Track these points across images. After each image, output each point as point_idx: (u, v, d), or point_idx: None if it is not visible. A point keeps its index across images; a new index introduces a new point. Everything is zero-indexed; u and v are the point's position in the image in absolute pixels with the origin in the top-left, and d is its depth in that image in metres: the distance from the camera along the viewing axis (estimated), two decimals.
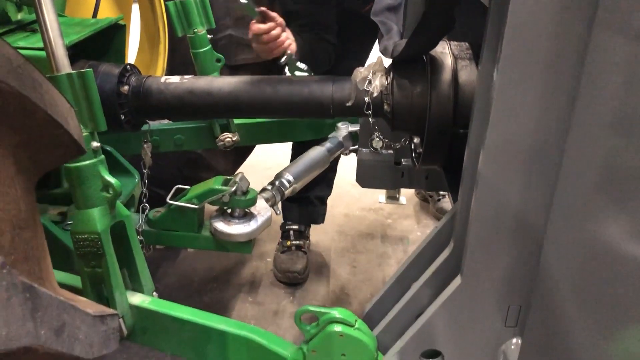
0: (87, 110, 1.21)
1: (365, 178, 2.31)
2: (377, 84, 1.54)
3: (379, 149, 2.05)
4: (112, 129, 1.69)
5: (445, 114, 1.44)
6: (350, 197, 3.32)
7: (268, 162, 3.42)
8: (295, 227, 2.76)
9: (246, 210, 1.78)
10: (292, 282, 2.62)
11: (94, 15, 2.04)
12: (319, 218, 2.80)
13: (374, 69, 1.57)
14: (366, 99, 1.54)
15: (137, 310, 1.29)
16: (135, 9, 2.71)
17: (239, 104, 1.61)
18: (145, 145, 1.79)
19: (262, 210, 1.82)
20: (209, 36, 2.04)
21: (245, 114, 1.83)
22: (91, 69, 1.20)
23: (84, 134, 1.19)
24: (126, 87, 1.61)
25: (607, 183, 0.91)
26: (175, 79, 1.64)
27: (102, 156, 1.24)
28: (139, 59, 2.69)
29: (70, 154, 0.81)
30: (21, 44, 1.50)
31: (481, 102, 1.09)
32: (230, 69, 2.43)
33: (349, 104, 1.56)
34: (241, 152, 2.61)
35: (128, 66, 1.64)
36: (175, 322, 1.29)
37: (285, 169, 2.01)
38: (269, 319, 2.40)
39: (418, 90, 1.48)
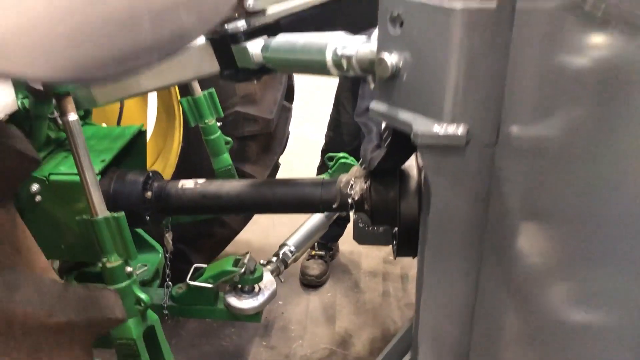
0: (121, 244, 1.52)
1: (361, 236, 2.61)
2: (358, 189, 1.83)
3: None
4: (137, 226, 2.02)
5: (412, 219, 1.72)
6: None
7: None
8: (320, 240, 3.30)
9: (254, 285, 2.10)
10: (309, 284, 3.25)
11: (119, 119, 2.35)
12: (338, 237, 3.42)
13: (356, 175, 1.86)
14: (349, 200, 1.84)
15: None
16: None
17: (243, 205, 1.91)
18: (167, 235, 2.10)
19: (269, 284, 2.13)
20: (218, 124, 2.35)
21: (249, 212, 2.14)
22: (123, 214, 1.51)
23: (119, 263, 1.51)
24: (149, 193, 1.92)
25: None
26: (190, 183, 1.95)
27: (135, 277, 1.55)
28: (157, 129, 3.00)
29: (116, 323, 1.13)
30: (62, 169, 1.81)
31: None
32: (239, 140, 2.74)
33: (334, 205, 1.85)
34: None
35: (150, 173, 1.96)
36: None
37: (287, 240, 2.32)
38: None
39: (391, 196, 1.76)
